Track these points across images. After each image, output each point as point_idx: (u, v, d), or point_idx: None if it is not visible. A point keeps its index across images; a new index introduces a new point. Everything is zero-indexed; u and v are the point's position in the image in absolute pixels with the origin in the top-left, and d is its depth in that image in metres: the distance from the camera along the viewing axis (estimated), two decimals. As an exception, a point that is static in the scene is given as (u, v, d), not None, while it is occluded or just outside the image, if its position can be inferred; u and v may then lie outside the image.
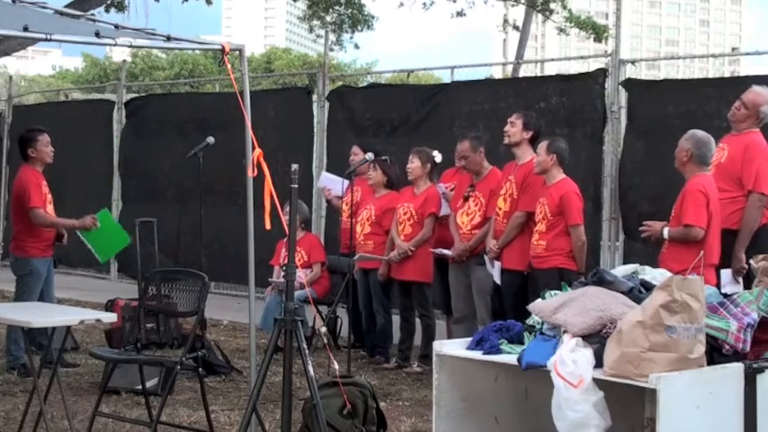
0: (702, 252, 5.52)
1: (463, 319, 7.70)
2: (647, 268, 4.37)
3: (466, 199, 7.68)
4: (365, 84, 14.32)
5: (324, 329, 7.57)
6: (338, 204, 8.83)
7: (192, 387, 6.94)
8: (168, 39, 5.27)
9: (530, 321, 4.23)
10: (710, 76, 41.27)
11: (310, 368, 4.26)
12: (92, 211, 7.69)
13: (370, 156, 8.17)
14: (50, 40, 4.83)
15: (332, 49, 20.57)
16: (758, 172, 6.41)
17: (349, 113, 11.36)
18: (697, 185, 6.14)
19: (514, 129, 7.38)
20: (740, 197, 6.44)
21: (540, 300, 4.24)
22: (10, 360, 7.44)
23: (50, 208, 7.58)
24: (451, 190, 7.97)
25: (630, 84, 9.27)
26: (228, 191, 11.65)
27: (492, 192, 7.54)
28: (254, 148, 5.21)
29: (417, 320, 8.17)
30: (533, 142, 7.34)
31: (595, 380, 3.64)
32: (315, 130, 11.60)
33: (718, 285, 5.76)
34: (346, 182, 8.16)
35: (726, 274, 6.29)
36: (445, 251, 7.73)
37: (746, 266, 6.03)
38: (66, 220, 7.63)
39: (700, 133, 6.31)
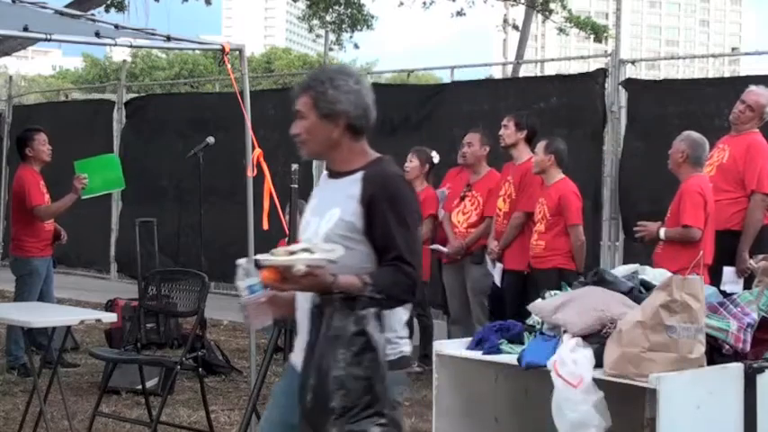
0: (702, 252, 5.53)
1: (460, 319, 7.68)
2: (648, 268, 4.36)
3: (462, 198, 7.68)
4: (365, 84, 14.30)
5: (324, 329, 7.55)
6: None
7: (192, 387, 6.94)
8: (168, 39, 5.29)
9: (530, 321, 4.23)
10: (710, 76, 41.34)
11: (310, 368, 4.25)
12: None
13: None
14: (50, 40, 4.84)
15: (332, 49, 20.49)
16: (761, 172, 6.41)
17: (349, 113, 11.33)
18: (694, 186, 6.14)
19: (508, 131, 7.41)
20: (742, 198, 6.44)
21: (540, 300, 4.24)
22: (10, 360, 7.44)
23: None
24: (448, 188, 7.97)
25: (630, 84, 9.26)
26: (228, 191, 11.62)
27: (490, 191, 7.53)
28: (254, 148, 5.22)
29: (415, 320, 8.15)
30: (530, 141, 7.37)
31: (595, 380, 3.64)
32: (315, 130, 11.57)
33: (713, 285, 5.76)
34: None
35: (728, 272, 6.28)
36: (441, 248, 7.72)
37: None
38: (64, 200, 7.41)
39: (694, 134, 6.32)
